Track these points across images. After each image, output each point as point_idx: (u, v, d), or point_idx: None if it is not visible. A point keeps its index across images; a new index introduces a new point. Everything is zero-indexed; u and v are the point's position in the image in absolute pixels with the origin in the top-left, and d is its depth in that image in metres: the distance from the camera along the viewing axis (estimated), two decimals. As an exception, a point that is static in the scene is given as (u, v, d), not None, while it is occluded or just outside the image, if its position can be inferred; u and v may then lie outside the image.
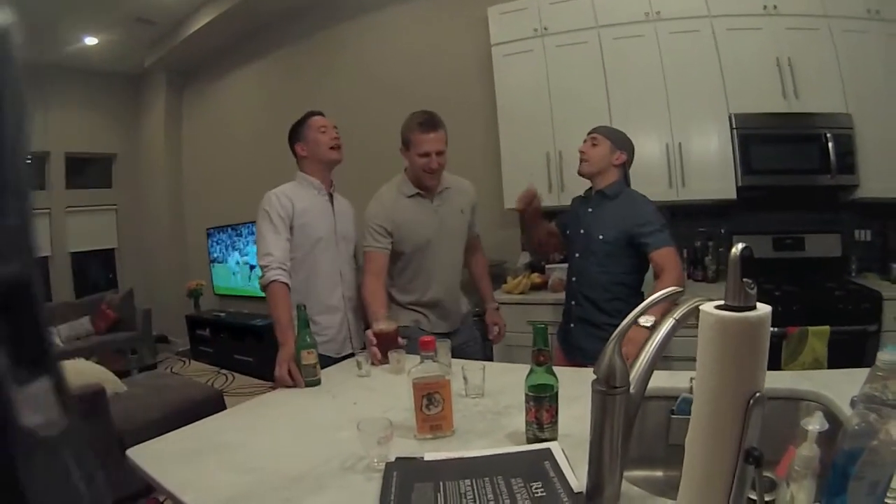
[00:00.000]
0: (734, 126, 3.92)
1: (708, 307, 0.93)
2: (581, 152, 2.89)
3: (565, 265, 3.29)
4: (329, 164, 2.90)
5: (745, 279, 0.89)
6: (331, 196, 2.94)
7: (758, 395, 0.89)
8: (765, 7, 3.91)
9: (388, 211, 2.86)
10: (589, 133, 2.91)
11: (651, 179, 3.94)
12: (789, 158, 3.86)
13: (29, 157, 0.40)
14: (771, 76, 3.91)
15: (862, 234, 4.17)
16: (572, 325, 2.91)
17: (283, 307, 2.56)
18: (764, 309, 0.90)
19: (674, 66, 4.10)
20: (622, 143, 2.86)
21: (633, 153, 2.91)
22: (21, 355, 0.38)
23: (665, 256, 2.58)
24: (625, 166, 2.89)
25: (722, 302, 0.92)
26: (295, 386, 2.31)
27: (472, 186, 3.16)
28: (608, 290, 2.75)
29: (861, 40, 3.82)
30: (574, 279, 2.93)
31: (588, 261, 2.83)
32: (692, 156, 4.06)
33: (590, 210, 2.89)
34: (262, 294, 2.67)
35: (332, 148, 2.86)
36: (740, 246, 0.90)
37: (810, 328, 3.33)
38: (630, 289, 2.76)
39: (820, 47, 3.85)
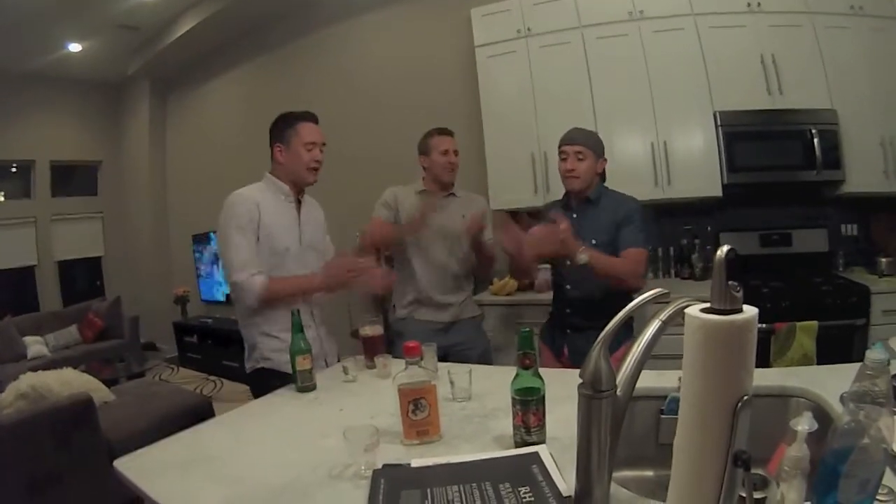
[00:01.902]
0: (719, 123, 3.93)
1: (693, 310, 0.91)
2: (569, 170, 2.70)
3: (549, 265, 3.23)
4: (301, 184, 2.72)
5: (730, 282, 0.87)
6: (299, 202, 2.76)
7: (745, 398, 0.88)
8: (748, 4, 3.93)
9: (397, 194, 3.14)
10: (566, 144, 2.73)
11: (636, 178, 3.98)
12: (774, 155, 3.87)
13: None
14: (755, 73, 3.92)
15: (848, 229, 4.20)
16: (568, 330, 2.81)
17: (287, 282, 2.56)
18: (750, 311, 0.88)
19: (658, 64, 4.10)
20: (601, 147, 2.77)
21: (604, 146, 2.81)
22: None
23: (633, 256, 2.60)
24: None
25: (707, 305, 0.91)
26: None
27: (482, 200, 3.37)
28: (605, 290, 2.64)
29: (844, 36, 3.84)
30: (568, 287, 2.82)
31: (583, 267, 2.64)
32: (677, 154, 4.07)
33: (575, 216, 2.74)
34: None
35: (310, 169, 2.66)
36: (725, 248, 0.88)
37: (798, 324, 3.35)
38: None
39: (804, 44, 3.86)
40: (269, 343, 2.64)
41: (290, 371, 2.39)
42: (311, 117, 2.71)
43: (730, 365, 0.88)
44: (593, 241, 2.62)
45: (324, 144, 2.71)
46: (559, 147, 2.76)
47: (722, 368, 0.89)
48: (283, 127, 2.68)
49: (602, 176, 2.82)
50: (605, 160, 2.78)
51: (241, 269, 2.46)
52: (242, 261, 2.47)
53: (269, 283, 2.48)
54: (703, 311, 0.90)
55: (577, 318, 2.78)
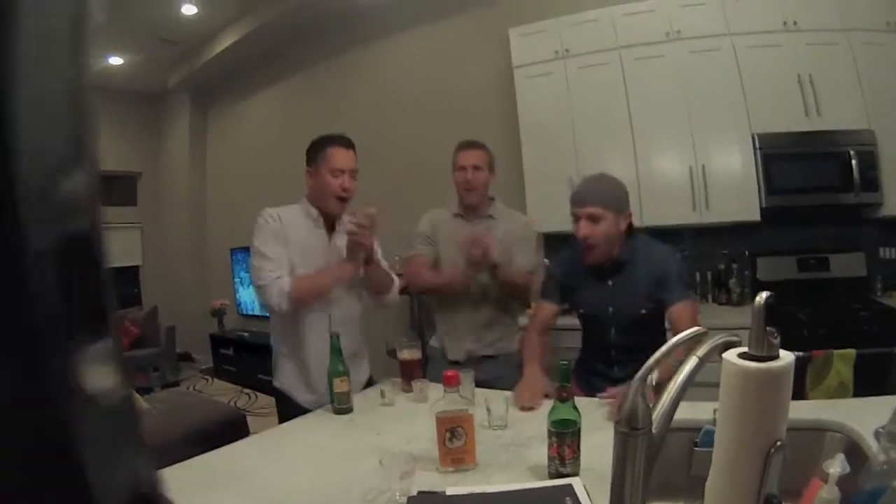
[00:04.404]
0: (758, 146, 3.90)
1: (731, 356, 0.91)
2: (583, 237, 2.30)
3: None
4: (327, 211, 2.58)
5: (768, 328, 0.88)
6: (333, 228, 2.62)
7: (779, 443, 0.88)
8: (784, 23, 3.91)
9: (435, 220, 3.00)
10: (574, 205, 2.34)
11: (674, 202, 3.98)
12: (812, 177, 3.83)
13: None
14: (792, 93, 3.89)
15: (887, 252, 4.12)
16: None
17: (314, 275, 2.46)
18: (787, 357, 0.89)
19: (695, 85, 4.09)
20: (621, 201, 2.35)
21: (628, 195, 2.41)
22: (81, 316, 0.36)
23: (685, 311, 2.29)
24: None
25: (745, 350, 0.91)
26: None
27: (525, 222, 3.10)
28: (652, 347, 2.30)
29: (881, 53, 3.81)
30: (613, 352, 2.48)
31: (629, 337, 2.42)
32: (715, 177, 4.05)
33: (610, 283, 2.43)
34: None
35: (337, 198, 2.51)
36: (764, 295, 0.89)
37: (835, 352, 3.27)
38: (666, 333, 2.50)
39: (840, 62, 3.84)
40: (284, 365, 2.72)
41: (297, 399, 2.57)
42: (343, 142, 2.56)
43: (765, 411, 0.89)
44: (643, 311, 2.39)
45: (355, 171, 2.55)
46: (571, 207, 2.38)
47: (757, 414, 0.90)
48: (314, 150, 2.57)
49: (629, 227, 2.41)
50: (630, 213, 2.38)
51: (264, 271, 2.38)
52: (265, 264, 2.39)
53: (294, 280, 2.39)
54: (741, 356, 0.91)
55: (622, 374, 2.40)
